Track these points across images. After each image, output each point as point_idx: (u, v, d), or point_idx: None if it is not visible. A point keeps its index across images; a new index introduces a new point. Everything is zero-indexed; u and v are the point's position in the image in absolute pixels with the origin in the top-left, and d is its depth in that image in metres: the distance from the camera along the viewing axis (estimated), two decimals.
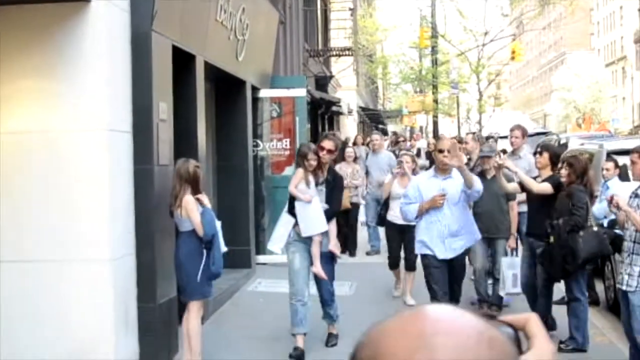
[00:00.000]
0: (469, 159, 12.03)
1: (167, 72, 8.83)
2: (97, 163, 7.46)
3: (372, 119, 57.07)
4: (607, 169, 10.51)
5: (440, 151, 8.41)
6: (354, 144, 20.64)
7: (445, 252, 8.48)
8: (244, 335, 9.61)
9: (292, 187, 8.64)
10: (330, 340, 9.19)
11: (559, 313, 9.41)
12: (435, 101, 42.30)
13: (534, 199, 9.29)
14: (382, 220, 11.80)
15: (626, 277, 7.55)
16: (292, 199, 8.71)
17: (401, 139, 27.26)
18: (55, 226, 7.46)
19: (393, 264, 11.74)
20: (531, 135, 24.88)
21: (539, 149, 9.62)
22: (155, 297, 8.21)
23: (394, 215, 10.91)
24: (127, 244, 7.97)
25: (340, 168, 15.68)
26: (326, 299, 9.01)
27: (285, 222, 8.82)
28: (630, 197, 7.59)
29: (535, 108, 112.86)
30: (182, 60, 9.66)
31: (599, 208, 10.10)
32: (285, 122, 16.02)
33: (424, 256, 8.72)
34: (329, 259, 8.88)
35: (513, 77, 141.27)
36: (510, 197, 10.11)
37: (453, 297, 8.67)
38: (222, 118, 13.34)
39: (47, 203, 7.46)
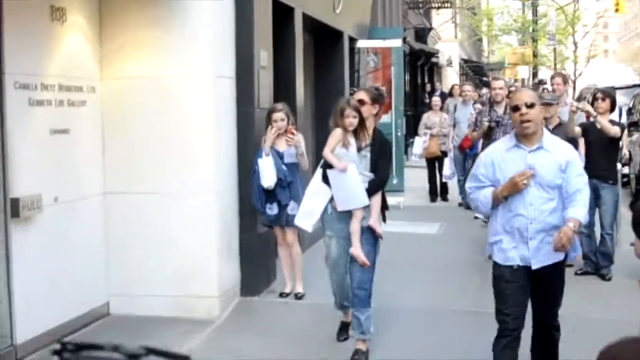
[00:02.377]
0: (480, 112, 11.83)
1: (267, 23, 9.57)
2: (205, 105, 8.24)
3: (475, 72, 56.99)
4: None
5: (516, 109, 5.67)
6: (450, 95, 19.80)
7: (527, 257, 5.70)
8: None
9: (327, 151, 7.02)
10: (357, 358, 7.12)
11: None
12: (534, 53, 42.36)
13: (597, 143, 9.71)
14: None
15: None
16: (327, 166, 7.10)
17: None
18: (166, 162, 8.27)
19: None
20: (629, 87, 25.09)
21: (600, 95, 10.03)
22: (255, 228, 9.04)
23: None
24: (231, 179, 8.80)
25: (428, 117, 16.17)
26: (359, 296, 7.08)
27: (319, 193, 7.28)
28: None
29: None
30: (282, 13, 10.42)
31: None
32: (382, 72, 16.71)
33: (496, 265, 5.89)
34: (370, 239, 7.06)
35: (622, 30, 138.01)
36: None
37: (538, 322, 5.99)
38: (320, 67, 14.05)
39: (160, 140, 8.25)
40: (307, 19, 11.61)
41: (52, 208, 7.35)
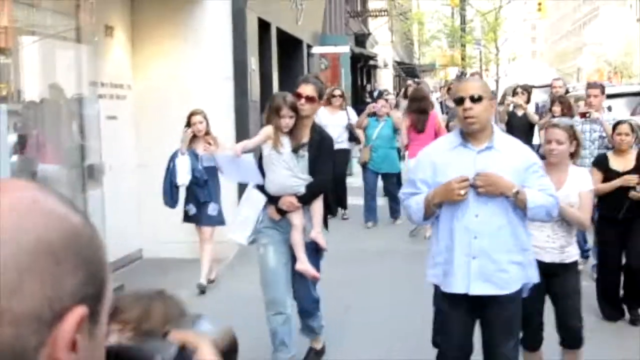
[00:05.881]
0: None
1: (254, 36, 12.37)
2: (214, 99, 10.83)
3: (408, 73, 60.07)
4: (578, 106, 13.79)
5: (460, 101, 4.75)
6: (405, 95, 17.13)
7: (467, 281, 4.68)
8: None
9: (242, 143, 6.40)
10: (311, 358, 6.78)
11: None
12: (462, 56, 45.82)
13: (519, 128, 12.13)
14: None
15: None
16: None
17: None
18: None
19: None
20: (545, 86, 28.17)
21: (519, 90, 12.91)
22: None
23: None
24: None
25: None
26: (307, 310, 6.51)
27: (251, 201, 6.31)
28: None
29: (569, 62, 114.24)
30: (263, 27, 13.23)
31: None
32: (333, 73, 19.59)
33: (436, 287, 5.31)
34: (313, 252, 6.29)
35: (549, 32, 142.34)
36: None
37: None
38: (285, 69, 16.85)
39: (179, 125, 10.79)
40: (279, 31, 14.46)
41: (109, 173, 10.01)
